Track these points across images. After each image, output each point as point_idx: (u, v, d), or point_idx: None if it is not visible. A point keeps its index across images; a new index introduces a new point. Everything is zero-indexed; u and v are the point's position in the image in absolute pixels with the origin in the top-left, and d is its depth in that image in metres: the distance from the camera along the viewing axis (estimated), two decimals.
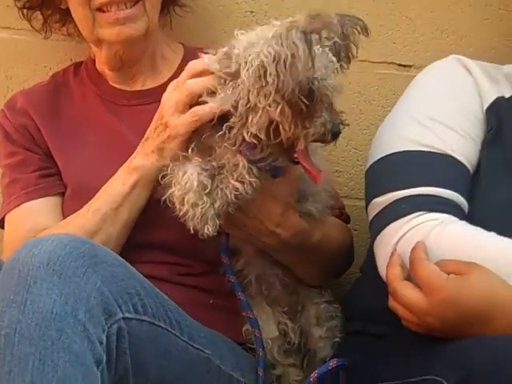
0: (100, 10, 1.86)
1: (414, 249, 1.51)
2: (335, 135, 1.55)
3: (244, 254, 1.81)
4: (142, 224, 1.77)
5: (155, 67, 2.01)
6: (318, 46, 1.51)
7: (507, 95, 1.76)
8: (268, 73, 1.49)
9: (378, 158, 1.71)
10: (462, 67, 1.79)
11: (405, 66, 2.21)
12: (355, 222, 2.09)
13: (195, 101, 1.63)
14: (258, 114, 1.54)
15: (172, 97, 1.68)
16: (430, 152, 1.66)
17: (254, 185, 1.60)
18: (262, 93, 1.51)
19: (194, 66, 1.67)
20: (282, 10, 2.21)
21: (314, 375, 1.64)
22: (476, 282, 1.44)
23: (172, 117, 1.66)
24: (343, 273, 2.04)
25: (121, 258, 1.55)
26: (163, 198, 1.62)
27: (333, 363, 1.64)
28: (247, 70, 1.52)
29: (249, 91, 1.53)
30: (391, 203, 1.62)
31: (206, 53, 1.67)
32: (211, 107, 1.60)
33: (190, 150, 1.62)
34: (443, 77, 1.80)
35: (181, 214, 1.60)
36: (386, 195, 1.64)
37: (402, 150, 1.68)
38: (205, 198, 1.58)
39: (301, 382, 1.83)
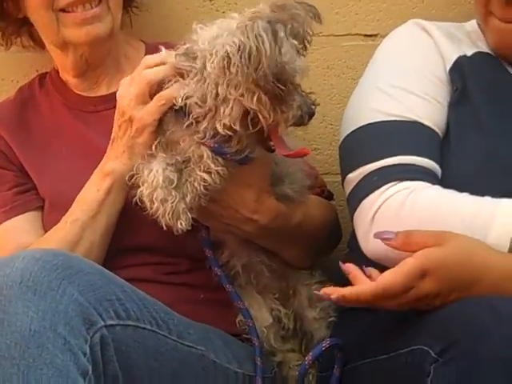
0: (64, 10, 1.84)
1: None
2: (311, 116, 1.55)
3: (228, 245, 1.80)
4: (122, 229, 1.76)
5: (119, 68, 1.99)
6: (282, 33, 1.50)
7: (469, 53, 1.75)
8: (232, 63, 1.48)
9: (348, 132, 1.71)
10: (421, 31, 1.78)
11: (370, 35, 2.19)
12: (340, 198, 2.07)
13: (154, 90, 1.62)
14: (230, 106, 1.53)
15: (129, 91, 1.66)
16: (396, 121, 1.65)
17: (222, 173, 1.59)
18: (231, 84, 1.50)
19: (149, 59, 1.66)
20: None
21: (308, 358, 1.64)
22: (453, 251, 1.43)
23: (135, 110, 1.64)
24: (332, 250, 2.02)
25: (98, 266, 1.54)
26: (134, 198, 1.61)
27: (326, 343, 1.64)
28: (212, 61, 1.51)
29: (217, 83, 1.52)
30: (363, 177, 1.62)
31: (166, 47, 1.67)
32: (177, 89, 1.58)
33: (153, 147, 1.61)
34: (403, 43, 1.79)
35: (152, 212, 1.58)
36: (357, 170, 1.63)
37: (368, 122, 1.67)
38: (173, 193, 1.57)
39: None
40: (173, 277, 1.81)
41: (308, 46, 1.57)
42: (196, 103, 1.56)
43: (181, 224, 1.58)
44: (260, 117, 1.53)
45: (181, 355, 1.58)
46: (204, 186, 1.59)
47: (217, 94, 1.53)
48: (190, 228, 1.59)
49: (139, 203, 1.60)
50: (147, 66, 1.64)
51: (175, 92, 1.59)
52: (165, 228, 1.58)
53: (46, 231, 1.84)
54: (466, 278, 1.43)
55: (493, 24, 1.70)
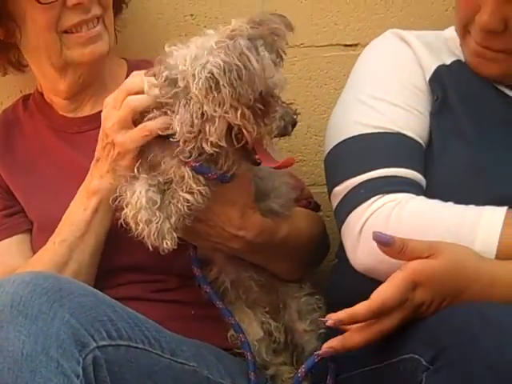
0: (67, 32, 1.85)
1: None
2: (294, 125, 1.58)
3: (216, 262, 1.80)
4: (109, 249, 1.76)
5: (104, 87, 1.99)
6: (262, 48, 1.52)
7: (448, 62, 1.76)
8: (221, 84, 1.48)
9: (332, 146, 1.72)
10: (399, 41, 1.79)
11: (350, 45, 2.21)
12: (327, 209, 2.08)
13: (137, 116, 1.62)
14: (215, 123, 1.54)
15: (113, 115, 1.65)
16: (379, 133, 1.66)
17: (204, 193, 1.60)
18: (216, 102, 1.51)
19: (131, 85, 1.65)
20: (222, 10, 2.21)
21: (301, 370, 1.63)
22: (444, 263, 1.45)
23: (118, 134, 1.64)
24: (321, 261, 2.03)
25: (88, 287, 1.54)
26: (120, 220, 1.61)
27: (318, 355, 1.63)
28: (196, 82, 1.52)
29: (202, 103, 1.52)
30: (350, 191, 1.63)
31: (147, 65, 1.67)
32: (161, 122, 1.59)
33: (135, 170, 1.62)
34: (382, 54, 1.80)
35: (137, 233, 1.59)
36: (343, 183, 1.65)
37: (352, 135, 1.68)
38: (157, 214, 1.57)
39: None
40: (162, 294, 1.81)
41: (284, 57, 1.59)
42: (184, 126, 1.57)
43: (166, 244, 1.58)
44: (244, 131, 1.54)
45: (174, 373, 1.58)
46: (187, 206, 1.59)
47: (202, 114, 1.54)
48: (176, 247, 1.59)
49: (124, 225, 1.61)
50: (129, 92, 1.63)
51: (159, 124, 1.59)
52: (151, 248, 1.58)
53: (35, 253, 1.84)
54: (457, 285, 1.44)
55: (470, 44, 1.71)
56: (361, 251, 1.58)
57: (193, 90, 1.52)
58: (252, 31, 1.51)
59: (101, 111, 1.88)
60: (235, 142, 1.56)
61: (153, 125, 1.60)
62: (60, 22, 1.83)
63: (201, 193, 1.59)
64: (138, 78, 1.64)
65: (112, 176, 1.68)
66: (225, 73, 1.47)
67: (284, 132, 1.57)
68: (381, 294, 1.44)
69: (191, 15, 2.21)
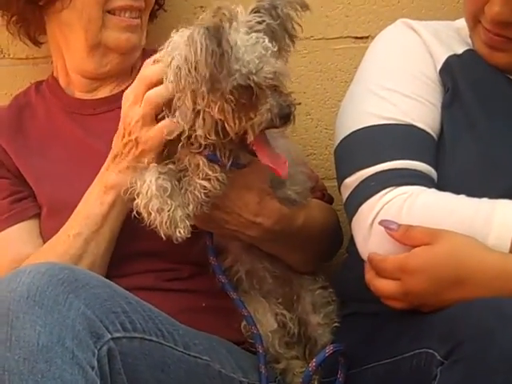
0: (110, 12, 1.88)
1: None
2: (285, 118, 1.54)
3: (231, 251, 1.80)
4: (123, 235, 1.75)
5: (122, 73, 1.99)
6: (248, 37, 1.52)
7: (460, 51, 1.75)
8: (181, 75, 1.50)
9: (342, 137, 1.71)
10: (410, 30, 1.78)
11: (361, 37, 2.20)
12: (337, 202, 2.07)
13: (160, 110, 1.62)
14: (201, 116, 1.54)
15: (136, 112, 1.65)
16: (391, 124, 1.65)
17: (221, 179, 1.60)
18: (199, 95, 1.51)
19: (148, 77, 1.64)
20: (232, 1, 2.18)
21: (312, 364, 1.64)
22: (442, 249, 1.46)
23: (141, 131, 1.63)
24: (334, 254, 2.03)
25: (102, 278, 1.54)
26: (133, 213, 1.61)
27: (329, 349, 1.64)
28: (168, 77, 1.55)
29: (185, 95, 1.53)
30: (360, 182, 1.62)
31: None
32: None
33: (145, 162, 1.62)
34: (392, 44, 1.79)
35: (150, 222, 1.59)
36: (354, 175, 1.64)
37: (363, 126, 1.67)
38: (169, 202, 1.57)
39: None
40: (175, 283, 1.81)
41: (293, 37, 1.59)
42: (183, 121, 1.58)
43: (179, 232, 1.57)
44: (226, 126, 1.53)
45: (187, 366, 1.58)
46: (205, 193, 1.59)
47: (193, 109, 1.55)
48: (189, 236, 1.59)
49: (137, 215, 1.60)
50: (148, 84, 1.62)
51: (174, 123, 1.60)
52: (164, 238, 1.58)
53: (44, 237, 1.84)
54: (457, 274, 1.45)
55: (480, 35, 1.70)
56: (372, 243, 1.57)
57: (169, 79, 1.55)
58: (208, 21, 1.49)
59: (115, 94, 1.92)
60: (221, 136, 1.56)
61: (169, 123, 1.60)
62: (109, 1, 1.87)
63: (218, 179, 1.59)
64: (153, 68, 1.64)
65: (131, 173, 1.67)
66: (185, 63, 1.49)
67: (271, 125, 1.54)
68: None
69: (201, 7, 2.19)
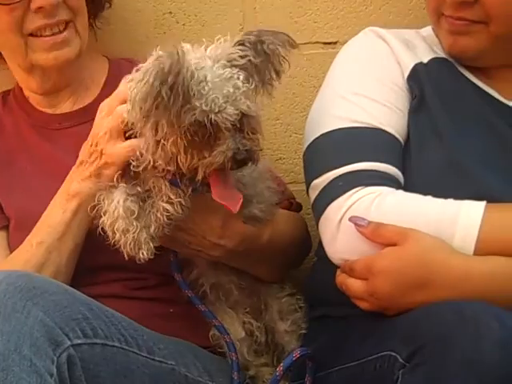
0: (32, 35, 1.82)
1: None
2: (239, 163, 1.51)
3: (196, 265, 1.80)
4: (91, 248, 1.74)
5: (84, 85, 1.98)
6: (222, 71, 1.49)
7: (425, 60, 1.76)
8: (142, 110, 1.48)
9: (311, 140, 1.71)
10: (378, 38, 1.79)
11: (330, 43, 2.20)
12: (307, 207, 2.07)
13: (128, 127, 1.61)
14: (160, 147, 1.52)
15: (104, 124, 1.65)
16: (359, 127, 1.66)
17: (184, 203, 1.58)
18: (159, 126, 1.49)
19: (124, 92, 1.62)
20: (201, 7, 2.20)
21: (279, 368, 1.64)
22: (409, 252, 1.47)
23: (108, 144, 1.63)
24: (303, 261, 2.03)
25: (63, 285, 1.52)
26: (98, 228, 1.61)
27: (296, 353, 1.64)
28: (129, 104, 1.52)
29: (146, 124, 1.51)
30: (328, 183, 1.62)
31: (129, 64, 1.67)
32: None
33: (115, 179, 1.61)
34: (361, 50, 1.80)
35: (114, 241, 1.59)
36: (322, 176, 1.63)
37: (332, 128, 1.67)
38: (135, 223, 1.57)
39: None
40: (141, 292, 1.81)
41: (277, 78, 1.56)
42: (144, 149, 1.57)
43: (142, 254, 1.58)
44: (178, 160, 1.52)
45: (152, 371, 1.57)
46: (167, 216, 1.59)
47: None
48: (152, 257, 1.59)
49: (102, 232, 1.60)
50: (122, 100, 1.61)
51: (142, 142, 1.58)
52: (126, 258, 1.58)
53: (12, 249, 1.82)
54: (421, 275, 1.46)
55: (444, 25, 1.71)
56: (339, 242, 1.57)
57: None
58: (180, 58, 1.45)
59: (81, 109, 1.90)
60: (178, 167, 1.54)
61: (136, 143, 1.59)
62: (24, 25, 1.81)
63: (180, 203, 1.58)
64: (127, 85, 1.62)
65: (93, 182, 1.67)
66: (143, 100, 1.45)
67: (221, 167, 1.50)
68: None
69: (170, 13, 2.20)
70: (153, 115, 1.47)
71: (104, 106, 1.68)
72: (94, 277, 1.78)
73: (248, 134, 1.52)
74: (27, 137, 1.96)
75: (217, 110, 1.47)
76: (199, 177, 1.52)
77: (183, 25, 2.20)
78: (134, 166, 1.60)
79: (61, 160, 1.84)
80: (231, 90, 1.48)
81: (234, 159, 1.50)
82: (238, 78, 1.50)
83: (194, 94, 1.46)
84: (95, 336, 1.47)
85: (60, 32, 1.83)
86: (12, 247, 1.83)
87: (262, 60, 1.52)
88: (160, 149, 1.52)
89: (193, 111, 1.45)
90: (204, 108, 1.46)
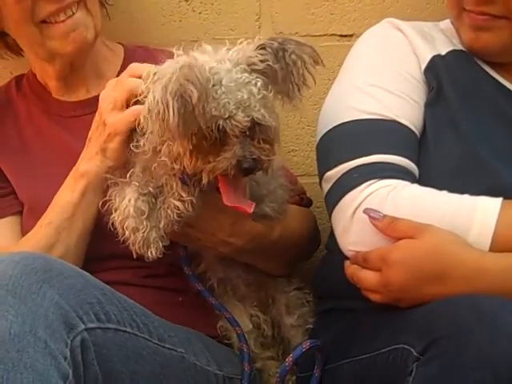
0: (46, 21, 1.80)
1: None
2: (245, 171, 1.48)
3: (204, 258, 1.80)
4: (102, 236, 1.73)
5: (98, 72, 1.97)
6: (239, 76, 1.46)
7: (443, 52, 1.75)
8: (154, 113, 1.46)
9: (326, 131, 1.70)
10: (395, 30, 1.78)
11: (346, 35, 2.20)
12: (317, 200, 2.08)
13: (133, 99, 1.60)
14: (165, 145, 1.52)
15: (110, 94, 1.66)
16: (375, 119, 1.65)
17: (194, 201, 1.58)
18: (162, 127, 1.47)
19: (136, 68, 1.63)
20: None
21: (289, 359, 1.63)
22: (425, 244, 1.46)
23: (110, 114, 1.64)
24: (312, 255, 2.03)
25: (77, 268, 1.52)
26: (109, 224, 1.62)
27: (306, 345, 1.64)
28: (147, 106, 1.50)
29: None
30: (343, 174, 1.61)
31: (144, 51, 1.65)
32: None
33: (128, 176, 1.61)
34: (378, 42, 1.79)
35: (123, 238, 1.59)
36: (337, 167, 1.62)
37: (346, 120, 1.66)
38: (145, 223, 1.57)
39: None
40: (150, 280, 1.81)
41: (300, 86, 1.53)
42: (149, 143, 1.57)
43: (151, 253, 1.58)
44: (183, 161, 1.51)
45: (161, 358, 1.57)
46: (177, 213, 1.58)
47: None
48: (160, 256, 1.60)
49: (112, 229, 1.61)
50: (133, 74, 1.62)
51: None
52: (135, 256, 1.59)
53: (25, 234, 1.81)
54: (437, 269, 1.45)
55: (466, 20, 1.70)
56: (352, 234, 1.56)
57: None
58: (181, 77, 1.41)
59: (96, 96, 1.87)
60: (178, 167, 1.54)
61: (140, 109, 1.57)
62: (35, 13, 1.78)
63: (191, 202, 1.58)
64: (143, 66, 1.62)
65: (100, 159, 1.68)
66: (149, 109, 1.45)
67: (225, 173, 1.49)
68: None
69: (186, 0, 2.19)
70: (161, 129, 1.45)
71: (112, 81, 1.69)
72: (104, 264, 1.78)
73: (259, 142, 1.50)
74: (41, 123, 1.95)
75: (226, 116, 1.44)
76: (204, 181, 1.51)
77: (199, 13, 2.19)
78: (135, 147, 1.60)
79: (74, 147, 1.82)
80: (245, 96, 1.45)
81: (238, 167, 1.47)
82: (255, 85, 1.47)
83: (207, 99, 1.43)
84: (108, 321, 1.47)
85: (73, 14, 1.81)
86: (25, 232, 1.83)
87: (283, 69, 1.49)
88: (166, 147, 1.52)
89: (203, 115, 1.42)
90: (214, 113, 1.44)
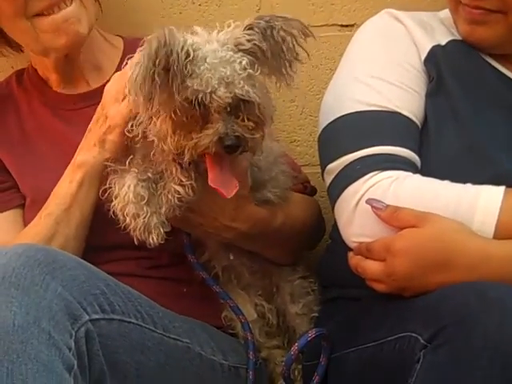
0: (38, 15, 1.79)
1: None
2: (228, 148, 1.46)
3: (208, 247, 1.80)
4: (105, 227, 1.72)
5: (97, 64, 1.97)
6: (224, 54, 1.46)
7: (443, 42, 1.74)
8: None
9: (327, 123, 1.69)
10: (394, 20, 1.77)
11: (346, 25, 2.19)
12: (321, 189, 2.07)
13: None
14: (152, 123, 1.52)
15: (114, 88, 1.66)
16: (376, 111, 1.64)
17: (195, 186, 1.58)
18: (153, 104, 1.47)
19: None
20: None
21: (294, 348, 1.63)
22: (429, 232, 1.46)
23: (112, 107, 1.64)
24: (316, 244, 2.02)
25: (81, 260, 1.52)
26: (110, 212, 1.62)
27: (311, 333, 1.64)
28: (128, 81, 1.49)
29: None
30: (345, 166, 1.61)
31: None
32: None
33: (127, 163, 1.61)
34: (377, 33, 1.78)
35: (124, 225, 1.59)
36: (338, 159, 1.62)
37: (348, 112, 1.66)
38: (145, 209, 1.57)
39: None
40: (155, 271, 1.81)
41: (291, 60, 1.51)
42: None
43: (152, 239, 1.58)
44: (167, 139, 1.50)
45: (167, 348, 1.57)
46: (178, 198, 1.58)
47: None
48: (162, 242, 1.59)
49: (113, 216, 1.61)
50: None
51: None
52: (136, 242, 1.59)
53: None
54: (441, 257, 1.45)
55: (462, 13, 1.69)
56: (355, 225, 1.56)
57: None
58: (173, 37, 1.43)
59: (96, 89, 1.89)
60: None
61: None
62: (28, 8, 1.77)
63: (192, 186, 1.57)
64: None
65: (97, 150, 1.68)
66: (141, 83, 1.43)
67: (207, 151, 1.47)
68: None
69: None
70: (152, 96, 1.44)
71: (118, 73, 1.70)
72: (108, 255, 1.78)
73: (244, 120, 1.49)
74: (42, 116, 1.95)
75: (208, 91, 1.44)
76: (186, 158, 1.50)
77: (199, 5, 2.18)
78: (128, 131, 1.60)
79: (75, 139, 1.81)
80: (228, 72, 1.45)
81: (220, 144, 1.46)
82: (240, 63, 1.47)
83: (190, 74, 1.44)
84: (113, 312, 1.46)
85: (67, 6, 1.79)
86: (26, 224, 1.82)
87: (272, 47, 1.48)
88: (152, 124, 1.52)
89: (185, 90, 1.43)
90: (195, 87, 1.43)
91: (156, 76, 1.41)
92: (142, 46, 1.47)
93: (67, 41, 1.82)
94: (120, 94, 1.63)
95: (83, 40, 1.86)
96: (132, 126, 1.59)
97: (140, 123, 1.57)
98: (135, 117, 1.58)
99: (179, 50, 1.43)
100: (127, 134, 1.61)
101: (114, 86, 1.66)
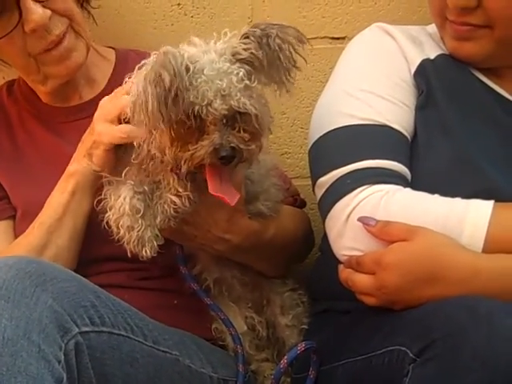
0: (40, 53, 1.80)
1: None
2: (223, 159, 1.47)
3: (200, 259, 1.80)
4: (96, 239, 1.74)
5: (90, 78, 1.97)
6: (220, 66, 1.46)
7: (432, 56, 1.75)
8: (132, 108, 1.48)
9: (317, 137, 1.70)
10: (384, 34, 1.78)
11: (338, 38, 2.20)
12: (311, 201, 2.08)
13: (125, 116, 1.60)
14: (152, 136, 1.52)
15: (107, 105, 1.66)
16: (366, 124, 1.65)
17: (191, 197, 1.58)
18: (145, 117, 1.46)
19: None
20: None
21: (283, 361, 1.64)
22: (418, 246, 1.46)
23: (99, 123, 1.64)
24: (306, 257, 2.03)
25: (71, 272, 1.52)
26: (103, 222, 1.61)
27: (301, 346, 1.63)
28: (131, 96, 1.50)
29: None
30: (336, 181, 1.61)
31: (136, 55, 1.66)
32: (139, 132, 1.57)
33: (123, 175, 1.61)
34: (368, 46, 1.79)
35: (118, 237, 1.59)
36: (329, 174, 1.63)
37: (338, 126, 1.66)
38: (140, 221, 1.57)
39: None
40: (145, 282, 1.81)
41: (288, 75, 1.51)
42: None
43: (146, 252, 1.58)
44: (166, 150, 1.51)
45: (156, 360, 1.56)
46: (174, 208, 1.58)
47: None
48: (155, 255, 1.59)
49: (107, 227, 1.60)
50: (128, 92, 1.60)
51: (136, 132, 1.57)
52: (129, 255, 1.59)
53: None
54: (430, 271, 1.45)
55: (448, 29, 1.70)
56: (346, 240, 1.56)
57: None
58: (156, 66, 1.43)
59: (88, 101, 1.90)
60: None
61: (133, 130, 1.58)
62: (29, 48, 1.78)
63: (188, 197, 1.58)
64: None
65: (86, 162, 1.69)
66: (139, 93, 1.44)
67: (203, 162, 1.48)
68: None
69: (178, 4, 2.18)
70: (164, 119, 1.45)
71: (118, 89, 1.69)
72: (98, 267, 1.78)
73: (240, 131, 1.49)
74: (33, 129, 1.95)
75: (204, 103, 1.44)
76: (183, 169, 1.51)
77: (191, 17, 2.19)
78: (133, 158, 1.60)
79: (67, 153, 1.81)
80: (225, 84, 1.45)
81: (215, 155, 1.47)
82: (237, 74, 1.47)
83: (187, 87, 1.44)
84: (102, 324, 1.46)
85: (64, 40, 1.80)
86: (18, 236, 1.82)
87: (268, 55, 1.48)
88: (152, 138, 1.52)
89: (178, 101, 1.43)
90: (192, 99, 1.44)
91: (170, 101, 1.41)
92: (141, 67, 1.48)
93: (69, 72, 1.84)
94: (110, 115, 1.62)
95: (82, 66, 1.87)
96: (136, 152, 1.59)
97: (144, 142, 1.57)
98: (138, 145, 1.58)
99: (183, 74, 1.43)
100: (133, 161, 1.60)
101: (108, 104, 1.66)
